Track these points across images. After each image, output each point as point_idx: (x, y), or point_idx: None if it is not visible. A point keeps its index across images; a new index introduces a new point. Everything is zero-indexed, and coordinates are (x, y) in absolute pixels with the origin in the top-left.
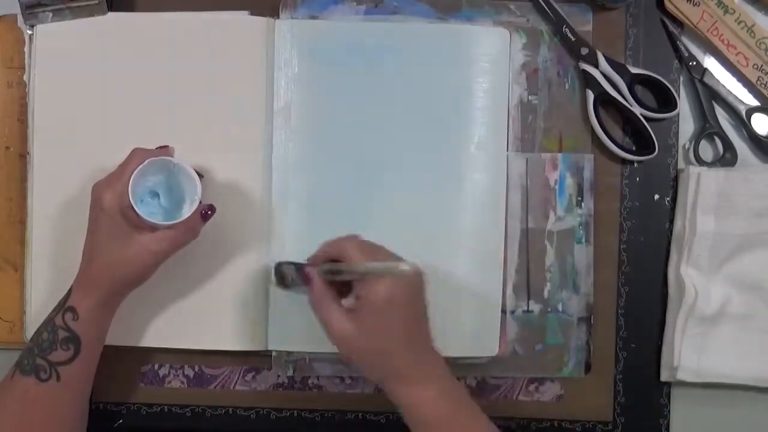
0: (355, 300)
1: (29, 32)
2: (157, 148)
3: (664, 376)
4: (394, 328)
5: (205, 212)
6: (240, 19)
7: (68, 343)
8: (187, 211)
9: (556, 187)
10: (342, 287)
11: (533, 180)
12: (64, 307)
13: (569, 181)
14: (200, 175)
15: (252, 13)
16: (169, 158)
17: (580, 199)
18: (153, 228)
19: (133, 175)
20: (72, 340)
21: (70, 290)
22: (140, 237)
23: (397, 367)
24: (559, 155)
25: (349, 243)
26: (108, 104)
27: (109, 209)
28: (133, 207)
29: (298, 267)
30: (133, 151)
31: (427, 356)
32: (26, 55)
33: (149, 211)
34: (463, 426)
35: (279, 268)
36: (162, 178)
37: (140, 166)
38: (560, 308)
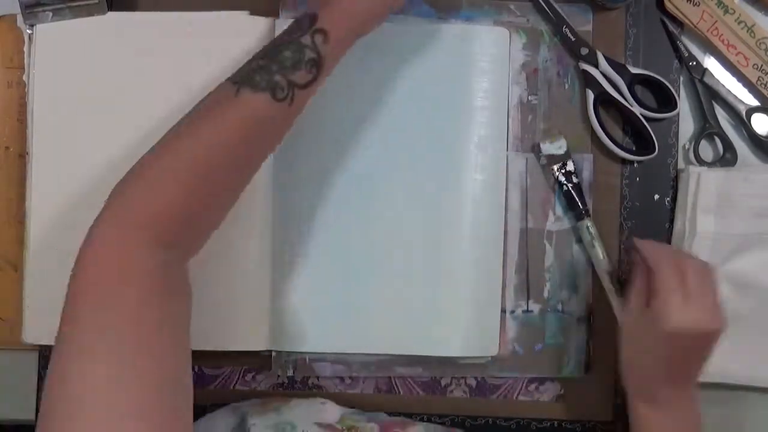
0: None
1: (29, 32)
2: None
3: None
4: (666, 356)
5: None
6: (240, 19)
7: (313, 66)
8: None
9: (556, 186)
10: None
11: (533, 180)
12: (313, 28)
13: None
14: None
15: (252, 13)
16: None
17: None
18: None
19: None
20: (317, 62)
21: (309, 16)
22: None
23: (648, 386)
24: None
25: (665, 258)
26: (108, 104)
27: None
28: None
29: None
30: None
31: (682, 390)
32: (26, 55)
33: None
34: None
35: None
36: None
37: None
38: (560, 308)
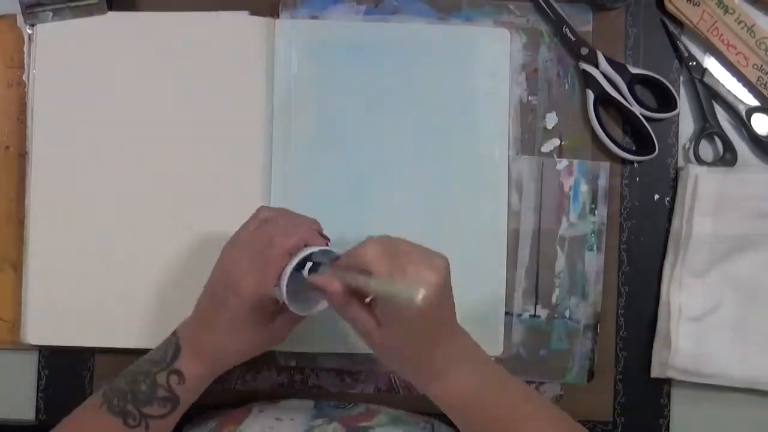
0: (380, 310)
1: (29, 32)
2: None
3: (655, 373)
4: (419, 338)
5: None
6: (240, 19)
7: (166, 402)
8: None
9: (570, 193)
10: None
11: (547, 185)
12: (170, 367)
13: (584, 189)
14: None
15: (252, 13)
16: (330, 250)
17: (593, 206)
18: (279, 308)
19: (287, 275)
20: (171, 400)
21: (176, 348)
22: (271, 326)
23: (426, 370)
24: (576, 162)
25: (372, 249)
26: (107, 104)
27: (247, 298)
28: (283, 301)
29: (312, 273)
30: (274, 238)
31: (453, 348)
32: (26, 55)
33: (296, 306)
34: (502, 395)
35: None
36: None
37: (294, 262)
38: (567, 314)
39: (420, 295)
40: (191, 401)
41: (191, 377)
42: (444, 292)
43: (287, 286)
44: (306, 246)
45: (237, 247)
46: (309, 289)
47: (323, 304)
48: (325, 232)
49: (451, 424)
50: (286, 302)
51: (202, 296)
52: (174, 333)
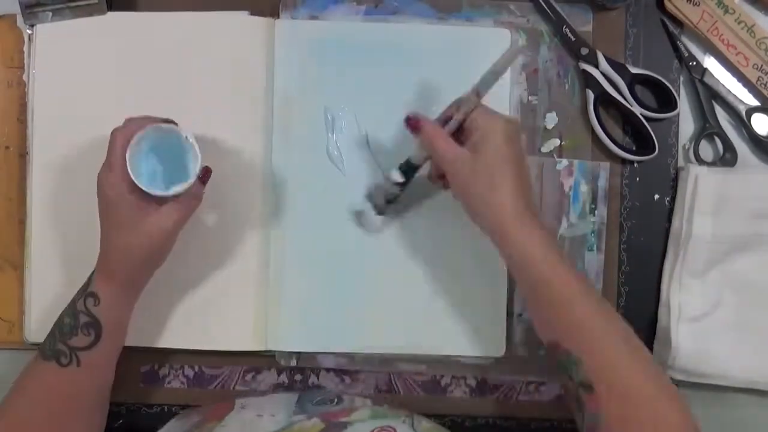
0: (470, 139)
1: (29, 32)
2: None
3: None
4: (507, 161)
5: (204, 175)
6: (240, 19)
7: (89, 329)
8: (192, 173)
9: (570, 193)
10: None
11: (547, 185)
12: (86, 292)
13: (584, 189)
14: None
15: (252, 13)
16: (161, 125)
17: (593, 206)
18: (157, 203)
19: (127, 155)
20: (93, 325)
21: (90, 276)
22: (148, 218)
23: (507, 202)
24: (576, 162)
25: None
26: (107, 104)
27: (110, 196)
28: (136, 184)
29: (406, 120)
30: (113, 132)
31: (530, 200)
32: (26, 55)
33: (149, 184)
34: (571, 271)
35: (368, 197)
36: (152, 145)
37: (133, 140)
38: None
39: (523, 43)
40: (114, 327)
41: (104, 296)
42: (519, 134)
43: (140, 168)
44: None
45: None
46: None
47: (183, 186)
48: (326, 231)
49: (429, 417)
50: (134, 179)
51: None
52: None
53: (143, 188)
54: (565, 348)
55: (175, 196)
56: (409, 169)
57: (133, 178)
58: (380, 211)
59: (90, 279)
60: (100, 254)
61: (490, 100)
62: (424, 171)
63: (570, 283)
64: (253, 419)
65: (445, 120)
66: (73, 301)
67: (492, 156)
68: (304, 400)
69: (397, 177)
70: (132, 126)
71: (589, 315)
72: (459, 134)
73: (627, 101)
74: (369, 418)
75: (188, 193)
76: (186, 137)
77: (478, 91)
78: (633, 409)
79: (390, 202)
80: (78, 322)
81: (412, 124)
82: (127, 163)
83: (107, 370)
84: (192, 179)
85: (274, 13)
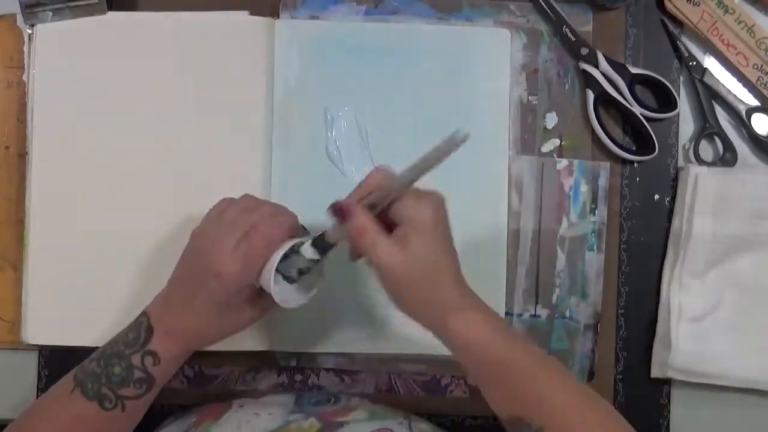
0: (399, 230)
1: (29, 32)
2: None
3: (655, 373)
4: (442, 252)
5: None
6: (240, 19)
7: (142, 384)
8: (316, 288)
9: (571, 193)
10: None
11: (547, 185)
12: (144, 349)
13: (584, 189)
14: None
15: (252, 13)
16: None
17: (594, 206)
18: (256, 301)
19: (274, 265)
20: (147, 381)
21: (148, 329)
22: (245, 308)
23: (446, 296)
24: (576, 162)
25: (378, 174)
26: (107, 104)
27: (230, 283)
28: (274, 295)
29: (333, 208)
30: (259, 227)
31: (467, 287)
32: (26, 55)
33: (282, 297)
34: (519, 346)
35: (278, 270)
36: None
37: (281, 252)
38: (568, 314)
39: (464, 134)
40: (167, 380)
41: (166, 358)
42: (445, 208)
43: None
44: (291, 237)
45: (220, 229)
46: (291, 281)
47: (303, 297)
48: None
49: (428, 419)
50: (272, 293)
51: (177, 275)
52: (144, 313)
53: (277, 300)
54: (526, 422)
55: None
56: (324, 246)
57: (270, 290)
58: (291, 281)
59: (148, 334)
60: (172, 313)
61: (490, 99)
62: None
63: (523, 356)
64: (251, 418)
65: (370, 206)
66: (125, 353)
67: (425, 252)
68: (302, 401)
69: (311, 254)
70: (284, 226)
71: (548, 386)
72: (383, 215)
73: (627, 101)
74: (366, 420)
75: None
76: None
77: (408, 183)
78: None
79: (303, 273)
80: (132, 375)
81: (340, 212)
82: (271, 272)
83: (144, 412)
84: (311, 295)
85: (274, 13)
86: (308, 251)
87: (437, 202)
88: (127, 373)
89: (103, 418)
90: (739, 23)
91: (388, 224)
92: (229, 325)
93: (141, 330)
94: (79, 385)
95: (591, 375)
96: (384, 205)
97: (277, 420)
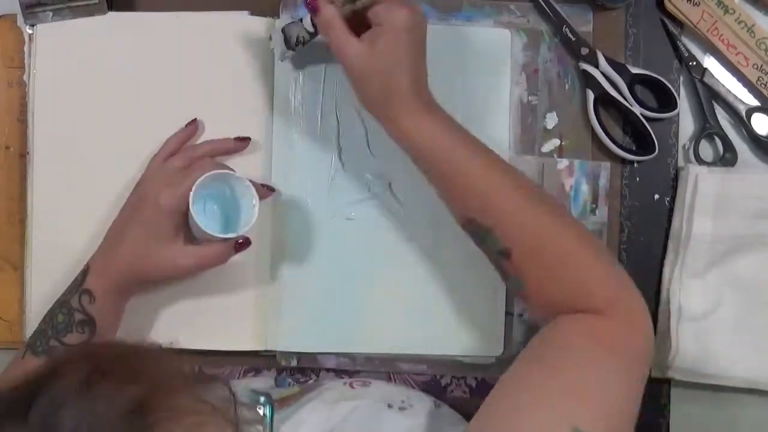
0: (371, 31)
1: (29, 32)
2: (235, 139)
3: (655, 373)
4: (405, 54)
5: (240, 243)
6: (240, 19)
7: (84, 326)
8: (243, 228)
9: (571, 193)
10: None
11: (548, 185)
12: (80, 289)
13: (584, 189)
14: (271, 190)
15: (252, 13)
16: (233, 173)
17: (594, 206)
18: (190, 239)
19: (196, 183)
20: (88, 323)
21: (84, 272)
22: (174, 245)
23: (402, 91)
24: (576, 162)
25: None
26: (108, 104)
27: (165, 207)
28: (191, 214)
29: (305, 2)
30: (200, 161)
31: (427, 92)
32: (26, 55)
33: (204, 222)
34: (469, 150)
35: (283, 30)
36: (219, 187)
37: (205, 176)
38: None
39: None
40: (108, 325)
41: (100, 294)
42: (423, 23)
43: (198, 204)
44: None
45: (160, 167)
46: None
47: (232, 235)
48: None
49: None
50: (191, 209)
51: (116, 218)
52: (87, 262)
53: (198, 222)
54: (478, 222)
55: (224, 240)
56: (299, 41)
57: (192, 210)
58: (290, 47)
59: (84, 275)
60: (102, 250)
61: (489, 99)
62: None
63: (470, 157)
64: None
65: (342, 3)
66: (65, 299)
67: (386, 52)
68: (282, 380)
69: (310, 27)
70: (213, 164)
71: (494, 184)
72: (359, 21)
73: (627, 101)
74: (342, 382)
75: (214, 252)
76: (254, 204)
77: None
78: (551, 267)
79: (299, 43)
80: (73, 319)
81: (311, 3)
82: (191, 194)
83: None
84: (240, 232)
85: (274, 13)
86: (308, 23)
87: (417, 13)
88: (68, 318)
89: None
90: (739, 23)
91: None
92: (162, 259)
93: (79, 275)
94: (29, 347)
95: None
96: (359, 4)
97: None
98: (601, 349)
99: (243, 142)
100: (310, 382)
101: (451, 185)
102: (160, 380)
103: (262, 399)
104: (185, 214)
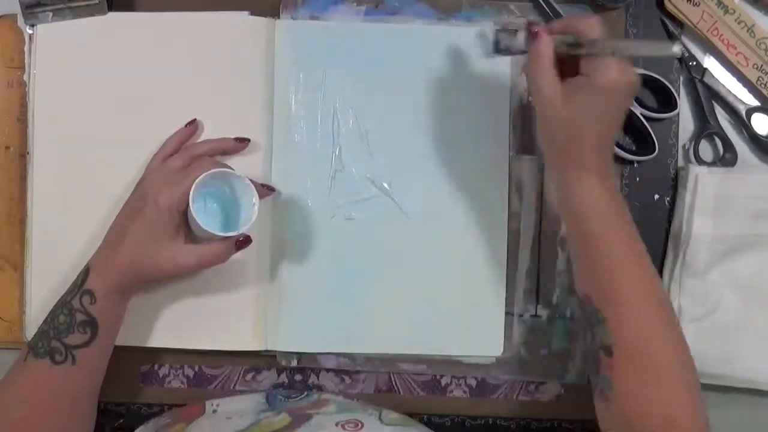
0: (578, 78)
1: (29, 32)
2: (235, 139)
3: None
4: (602, 113)
5: (240, 242)
6: (240, 19)
7: (86, 327)
8: (243, 227)
9: None
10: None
11: (547, 185)
12: (81, 289)
13: None
14: (271, 189)
15: (252, 13)
16: (233, 172)
17: None
18: (190, 239)
19: (196, 182)
20: (90, 323)
21: (85, 272)
22: (174, 244)
23: (584, 144)
24: None
25: (594, 21)
26: (108, 104)
27: (165, 207)
28: (192, 213)
29: (529, 24)
30: (199, 160)
31: (610, 157)
32: (26, 55)
33: (204, 220)
34: (623, 230)
35: (497, 32)
36: (219, 186)
37: (204, 175)
38: (568, 314)
39: (676, 47)
40: (110, 325)
41: (101, 295)
42: (633, 91)
43: (198, 205)
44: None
45: (159, 167)
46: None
47: (233, 234)
48: (326, 231)
49: (428, 419)
50: (191, 207)
51: (116, 218)
52: (87, 263)
53: (197, 220)
54: (596, 305)
55: (223, 238)
56: (505, 50)
57: (192, 208)
58: (495, 51)
59: (85, 276)
60: (103, 251)
61: (490, 100)
62: None
63: (617, 241)
64: (223, 422)
65: (567, 43)
66: (67, 300)
67: (588, 104)
68: (273, 398)
69: (522, 46)
70: (205, 162)
71: (627, 279)
72: (570, 63)
73: None
74: (335, 412)
75: (215, 250)
76: (254, 203)
77: (614, 49)
78: (649, 382)
79: (502, 51)
80: (74, 320)
81: (532, 30)
82: (191, 193)
83: (100, 368)
84: (241, 230)
85: (275, 14)
86: (521, 42)
87: (631, 80)
88: (70, 318)
89: (57, 376)
90: (739, 23)
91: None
92: (163, 259)
93: (80, 276)
94: (31, 349)
95: None
96: (580, 51)
97: (248, 420)
98: None
99: (242, 143)
100: (303, 397)
101: (588, 254)
102: None
103: None
104: (185, 214)
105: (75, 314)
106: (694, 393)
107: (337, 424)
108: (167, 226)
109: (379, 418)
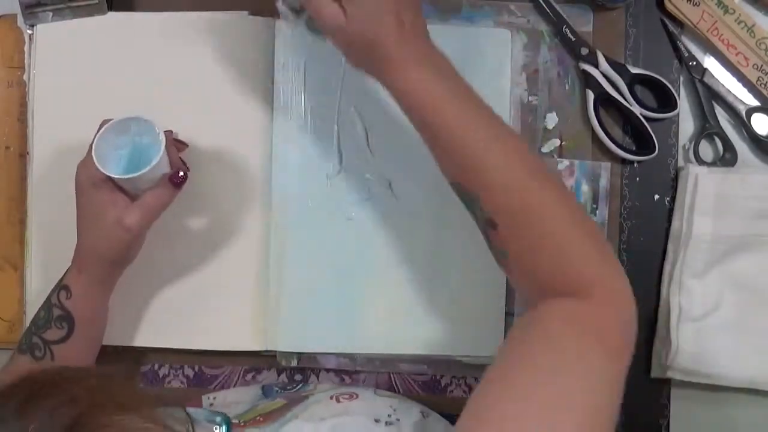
0: None
1: (29, 32)
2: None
3: (655, 373)
4: (386, 11)
5: (176, 178)
6: (240, 19)
7: (62, 322)
8: (154, 160)
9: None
10: None
11: None
12: (59, 285)
13: (585, 189)
14: (184, 144)
15: (252, 13)
16: (129, 117)
17: (594, 206)
18: (125, 202)
19: (95, 138)
20: (65, 318)
21: (67, 270)
22: (113, 211)
23: (384, 43)
24: (576, 162)
25: None
26: (108, 104)
27: (82, 184)
28: (100, 168)
29: None
30: (101, 123)
31: (419, 41)
32: (26, 55)
33: (117, 173)
34: (459, 107)
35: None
36: (130, 144)
37: (103, 129)
38: None
39: None
40: (87, 320)
41: (76, 288)
42: None
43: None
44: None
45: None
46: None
47: (142, 171)
48: (325, 230)
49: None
50: (95, 160)
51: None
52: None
53: (101, 169)
54: (464, 187)
55: (147, 187)
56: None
57: (94, 159)
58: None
59: (67, 271)
60: (76, 250)
61: (490, 100)
62: None
63: (464, 121)
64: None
65: None
66: (48, 296)
67: (367, 12)
68: (269, 389)
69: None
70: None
71: (483, 148)
72: None
73: (627, 101)
74: (331, 389)
75: (156, 196)
76: (158, 133)
77: None
78: (537, 242)
79: (297, 11)
80: (51, 315)
81: None
82: (93, 148)
83: (82, 363)
84: (153, 163)
85: (274, 13)
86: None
87: None
88: (48, 313)
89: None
90: (739, 23)
91: None
92: (111, 229)
93: (62, 276)
94: (18, 347)
95: None
96: None
97: (244, 408)
98: (586, 340)
99: (181, 144)
100: (299, 388)
101: (438, 143)
102: (100, 401)
103: (218, 419)
104: (108, 180)
105: (52, 309)
106: (596, 246)
107: (331, 397)
108: (99, 198)
109: (375, 393)
